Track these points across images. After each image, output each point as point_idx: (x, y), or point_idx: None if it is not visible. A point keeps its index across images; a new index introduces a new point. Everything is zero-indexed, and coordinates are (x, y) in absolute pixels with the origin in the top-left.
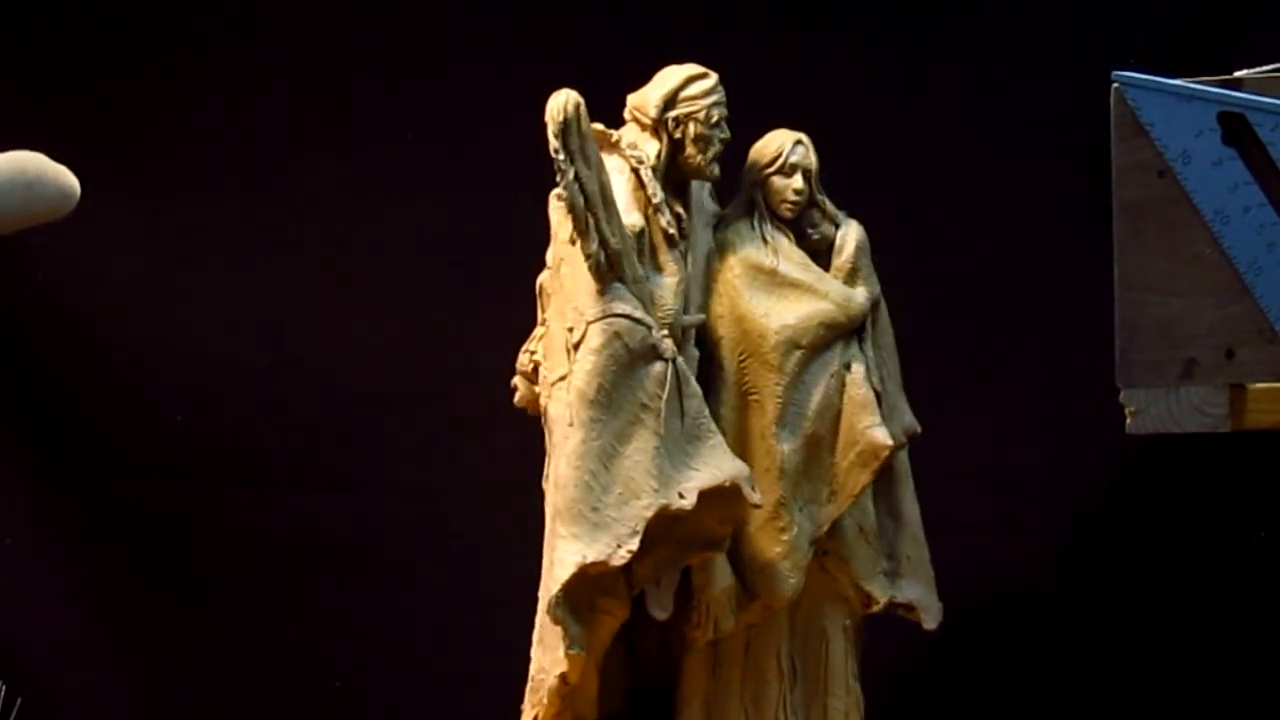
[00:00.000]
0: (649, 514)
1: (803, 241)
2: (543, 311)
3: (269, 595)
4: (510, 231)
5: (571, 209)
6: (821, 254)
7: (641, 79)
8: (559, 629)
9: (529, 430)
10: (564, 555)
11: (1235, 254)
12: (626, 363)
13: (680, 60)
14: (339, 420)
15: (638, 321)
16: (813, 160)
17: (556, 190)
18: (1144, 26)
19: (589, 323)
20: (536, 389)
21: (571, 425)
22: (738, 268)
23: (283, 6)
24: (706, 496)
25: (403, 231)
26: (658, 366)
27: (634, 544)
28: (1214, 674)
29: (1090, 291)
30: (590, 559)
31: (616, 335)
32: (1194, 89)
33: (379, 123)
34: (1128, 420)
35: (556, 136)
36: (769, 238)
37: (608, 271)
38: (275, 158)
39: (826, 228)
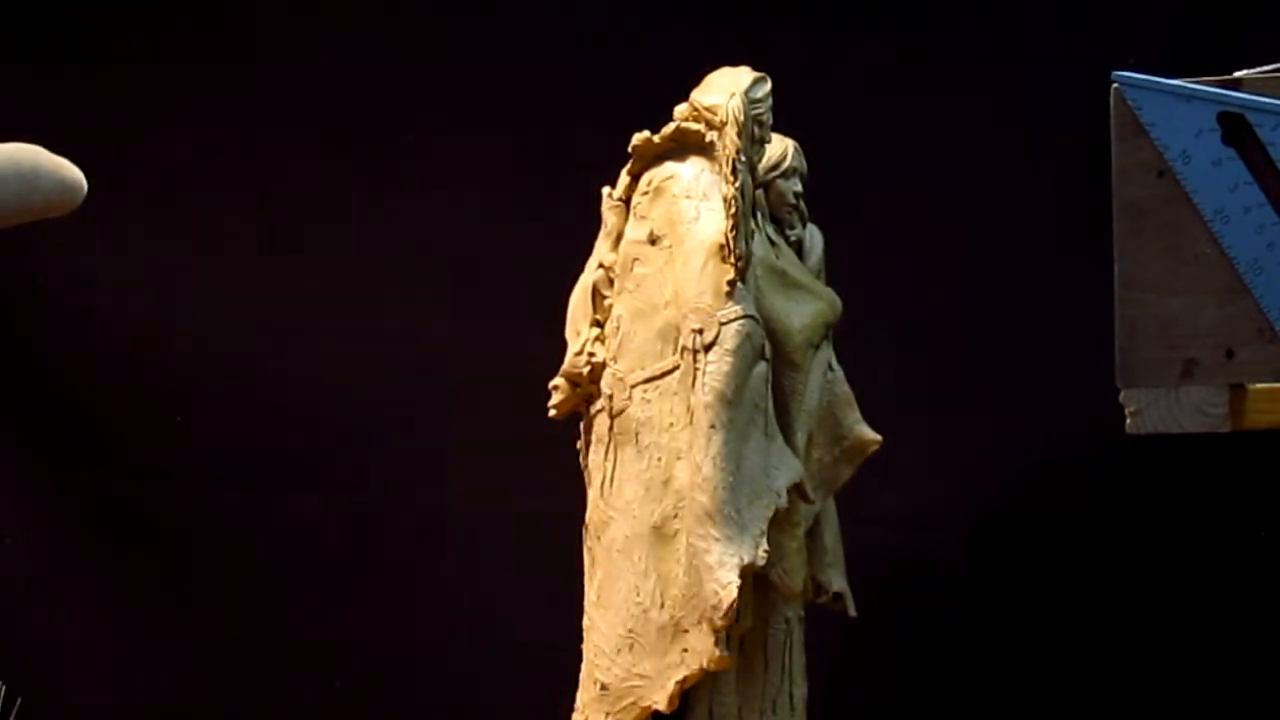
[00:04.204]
0: (769, 514)
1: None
2: (595, 312)
3: (268, 595)
4: (511, 232)
5: (734, 211)
6: None
7: (638, 78)
8: (700, 633)
9: (529, 430)
10: (723, 558)
11: (1235, 254)
12: (750, 363)
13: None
14: (339, 420)
15: (757, 322)
16: (804, 164)
17: (607, 189)
18: (1144, 26)
19: (722, 324)
20: (579, 391)
21: (713, 427)
22: (759, 268)
23: (283, 7)
24: None
25: (403, 231)
26: (761, 366)
27: (765, 544)
28: (1214, 674)
29: (1090, 291)
30: (747, 560)
31: (747, 337)
32: (1194, 89)
33: (379, 123)
34: (1128, 420)
35: (740, 137)
36: (773, 239)
37: (744, 272)
38: (275, 157)
39: (800, 230)
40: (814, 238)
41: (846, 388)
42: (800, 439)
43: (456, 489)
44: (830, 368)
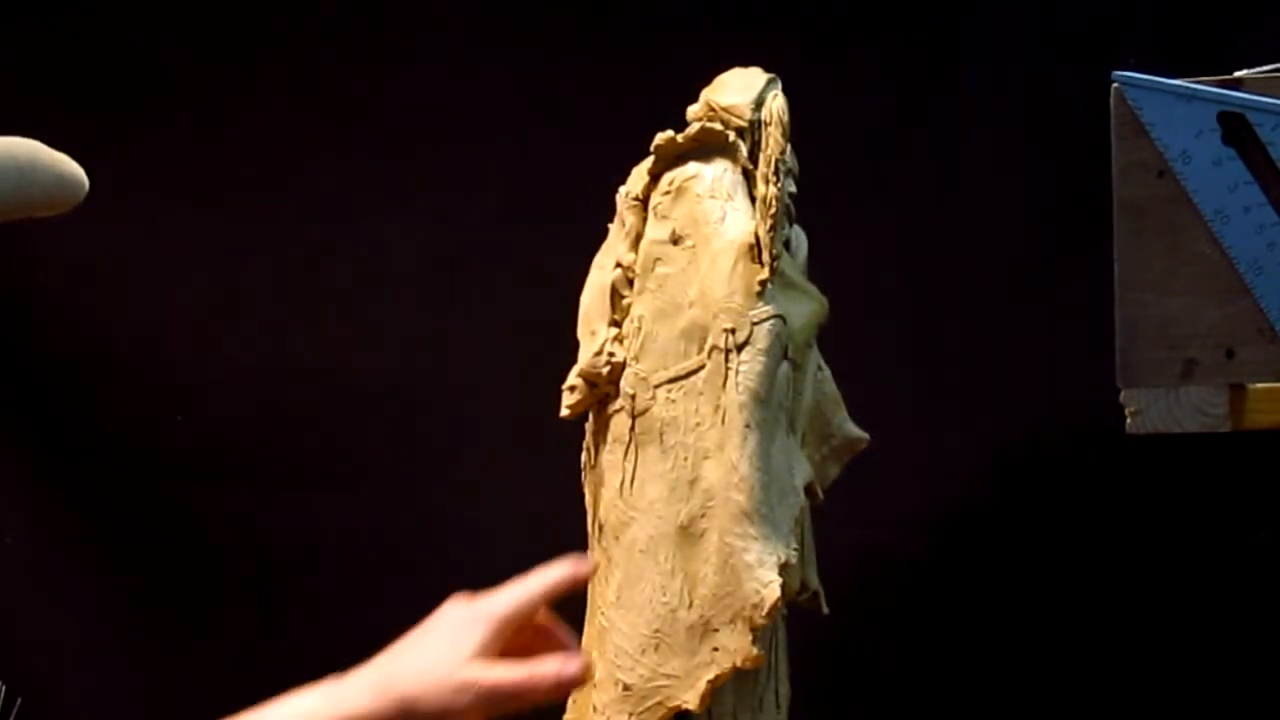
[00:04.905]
0: (795, 513)
1: None
2: (614, 313)
3: (269, 595)
4: (510, 232)
5: (773, 212)
6: None
7: (638, 80)
8: (732, 632)
9: (532, 430)
10: (762, 557)
11: (1235, 254)
12: (779, 363)
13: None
14: (339, 420)
15: (785, 322)
16: (797, 164)
17: (623, 188)
18: (1144, 26)
19: (754, 324)
20: (595, 391)
21: (748, 427)
22: None
23: (283, 7)
24: None
25: (403, 231)
26: (785, 367)
27: (795, 543)
28: (1214, 674)
29: (1090, 291)
30: (783, 559)
31: (777, 336)
32: (1194, 89)
33: (379, 123)
34: (1128, 420)
35: (786, 139)
36: None
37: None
38: (275, 157)
39: (787, 230)
40: (799, 238)
41: (834, 386)
42: (798, 438)
43: (458, 489)
44: (819, 367)
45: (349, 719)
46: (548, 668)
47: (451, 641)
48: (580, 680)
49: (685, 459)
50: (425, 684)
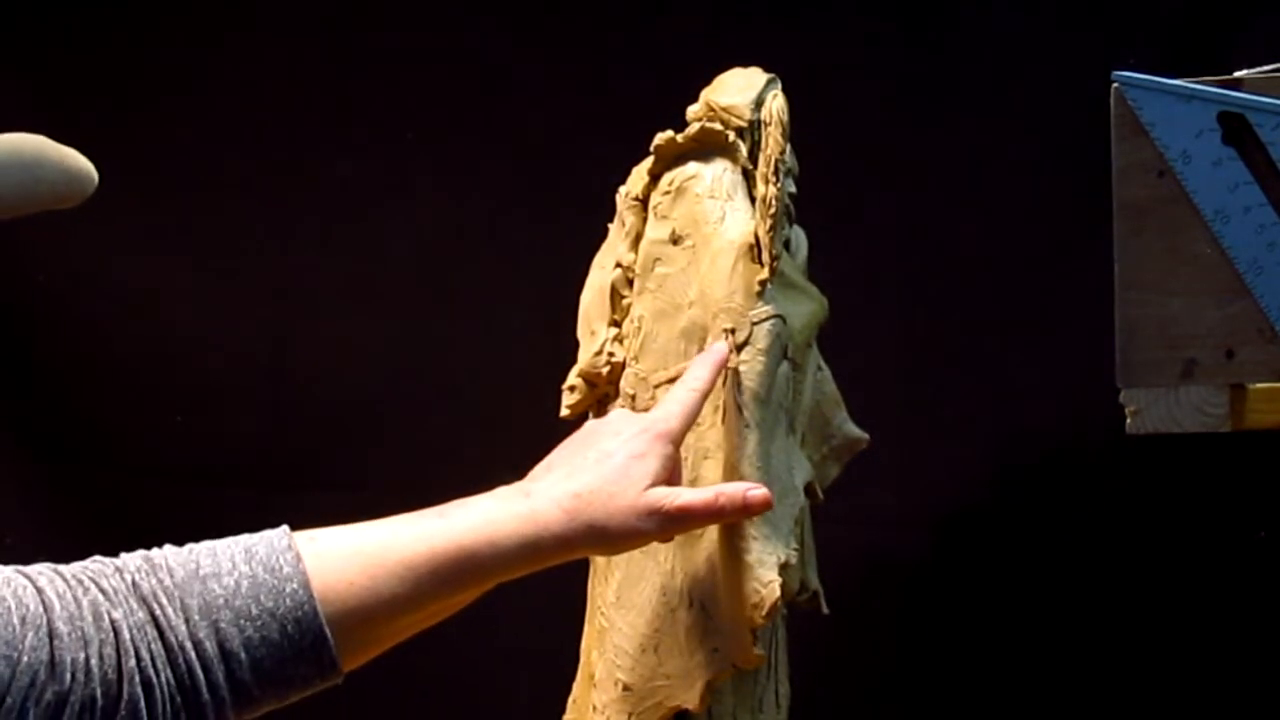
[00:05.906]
0: (796, 512)
1: None
2: (614, 313)
3: None
4: (510, 232)
5: (773, 212)
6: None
7: (639, 78)
8: (732, 632)
9: (530, 430)
10: (762, 557)
11: (1235, 254)
12: (779, 362)
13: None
14: (339, 420)
15: (785, 322)
16: (797, 164)
17: (623, 188)
18: (1144, 26)
19: (754, 324)
20: (595, 392)
21: (748, 427)
22: None
23: (283, 6)
24: None
25: (403, 231)
26: (785, 366)
27: (795, 543)
28: (1213, 675)
29: (1090, 291)
30: (783, 559)
31: (778, 336)
32: (1194, 89)
33: (379, 123)
34: (1128, 420)
35: (785, 139)
36: None
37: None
38: (276, 157)
39: (788, 230)
40: (799, 238)
41: (833, 386)
42: (798, 438)
43: (458, 489)
44: (819, 367)
45: (544, 539)
46: (734, 490)
47: (633, 468)
48: (767, 505)
49: (686, 459)
50: (613, 512)
